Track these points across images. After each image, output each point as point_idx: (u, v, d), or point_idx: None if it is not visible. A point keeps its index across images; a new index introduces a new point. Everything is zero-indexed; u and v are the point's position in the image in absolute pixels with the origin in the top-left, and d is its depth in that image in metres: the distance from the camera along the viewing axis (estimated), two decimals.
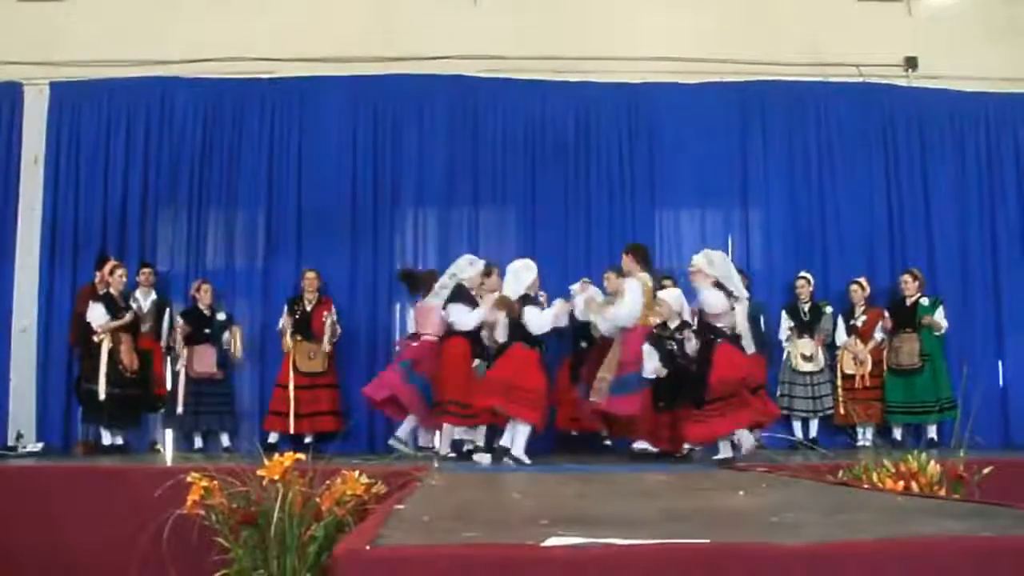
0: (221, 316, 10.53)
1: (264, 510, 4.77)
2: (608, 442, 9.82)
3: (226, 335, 10.47)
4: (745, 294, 8.80)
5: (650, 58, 11.24)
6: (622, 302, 8.61)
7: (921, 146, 11.54)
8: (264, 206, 11.13)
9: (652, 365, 8.30)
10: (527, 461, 8.24)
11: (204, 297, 10.48)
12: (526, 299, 8.58)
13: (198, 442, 10.46)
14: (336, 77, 11.25)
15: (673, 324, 8.44)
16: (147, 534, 5.13)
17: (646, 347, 8.34)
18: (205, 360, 10.35)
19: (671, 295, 8.74)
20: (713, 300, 8.39)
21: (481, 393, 8.49)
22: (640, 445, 9.01)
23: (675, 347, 8.32)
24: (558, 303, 8.83)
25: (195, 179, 11.10)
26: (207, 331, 10.41)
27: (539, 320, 8.55)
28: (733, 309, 8.47)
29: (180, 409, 10.26)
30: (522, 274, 8.67)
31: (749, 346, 8.71)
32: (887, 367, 10.54)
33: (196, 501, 4.92)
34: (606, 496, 4.99)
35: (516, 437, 8.34)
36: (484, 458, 8.55)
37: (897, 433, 10.46)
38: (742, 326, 8.54)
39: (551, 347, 9.40)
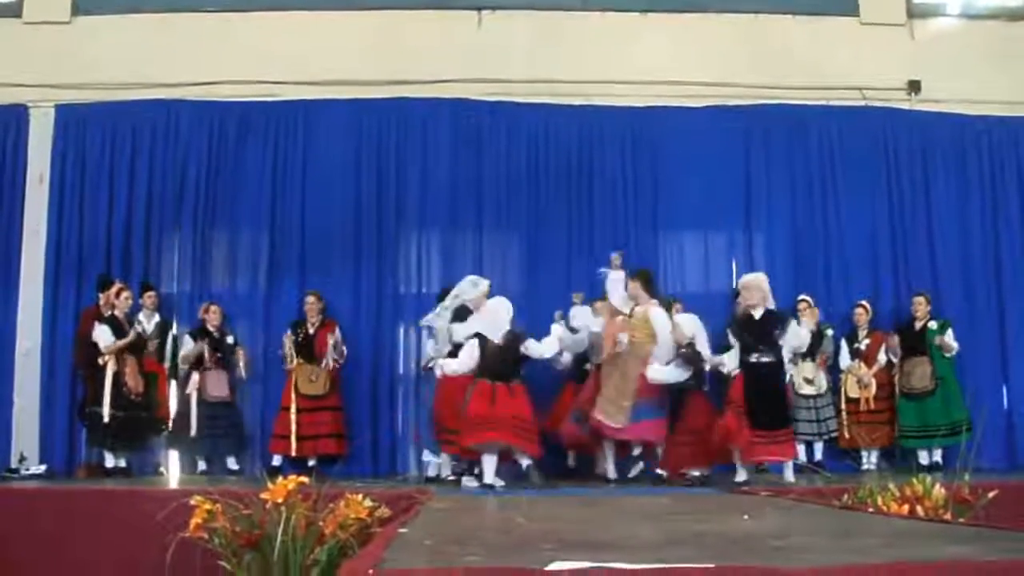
0: (230, 339, 10.53)
1: (267, 533, 4.77)
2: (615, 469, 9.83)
3: (241, 364, 10.47)
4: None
5: (653, 82, 11.27)
6: (665, 332, 8.78)
7: (924, 169, 11.54)
8: (268, 228, 11.14)
9: (677, 377, 8.50)
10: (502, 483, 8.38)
11: (213, 319, 10.46)
12: (521, 335, 8.69)
13: (201, 465, 10.44)
14: (339, 100, 11.27)
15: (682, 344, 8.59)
16: (150, 557, 5.13)
17: (676, 364, 8.51)
18: (217, 383, 10.36)
19: (687, 319, 8.87)
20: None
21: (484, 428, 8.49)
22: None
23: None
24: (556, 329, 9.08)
25: (199, 201, 11.10)
26: (218, 354, 10.40)
27: (543, 348, 8.76)
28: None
29: (194, 432, 10.23)
30: (500, 314, 8.70)
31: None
32: (900, 392, 10.52)
33: (199, 524, 4.92)
34: (609, 520, 4.97)
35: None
36: (471, 482, 8.63)
37: (904, 457, 10.40)
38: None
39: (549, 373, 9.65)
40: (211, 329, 10.46)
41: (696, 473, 8.68)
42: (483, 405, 8.36)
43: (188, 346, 10.40)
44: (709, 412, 8.63)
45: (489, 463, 8.37)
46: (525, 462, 8.44)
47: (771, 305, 8.65)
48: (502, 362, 8.53)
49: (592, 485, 8.93)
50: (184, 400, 10.38)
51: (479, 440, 8.34)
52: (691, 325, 8.77)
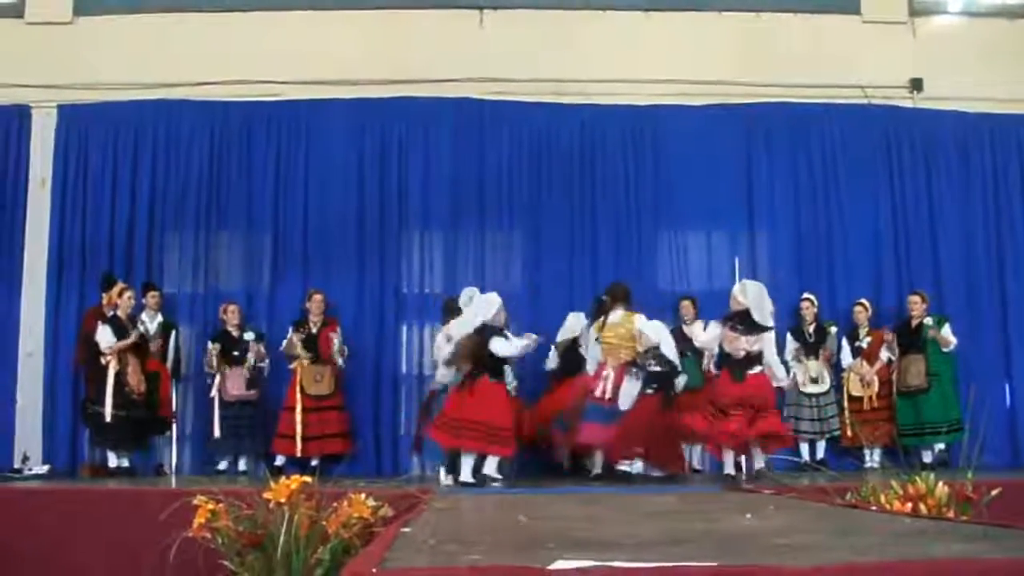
0: (249, 335, 10.46)
1: (270, 533, 4.76)
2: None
3: (250, 355, 10.40)
4: (771, 324, 8.79)
5: (655, 80, 11.27)
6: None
7: (926, 167, 11.53)
8: (270, 228, 11.14)
9: (633, 391, 8.63)
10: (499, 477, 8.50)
11: (232, 318, 10.47)
12: (491, 330, 8.69)
13: (223, 464, 10.42)
14: (342, 100, 11.27)
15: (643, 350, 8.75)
16: (153, 557, 5.13)
17: (627, 378, 8.69)
18: (237, 383, 10.34)
19: (652, 326, 8.92)
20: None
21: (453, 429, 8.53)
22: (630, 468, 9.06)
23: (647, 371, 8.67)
24: (528, 339, 8.92)
25: (202, 202, 11.11)
26: (236, 353, 10.38)
27: (506, 348, 8.70)
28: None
29: (217, 433, 10.26)
30: (481, 308, 8.77)
31: (782, 375, 8.94)
32: (896, 390, 10.51)
33: (202, 524, 4.91)
34: (612, 518, 4.97)
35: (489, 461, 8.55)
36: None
37: (908, 455, 10.38)
38: (770, 355, 8.66)
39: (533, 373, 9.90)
40: (230, 329, 10.46)
41: (628, 467, 8.85)
42: (453, 405, 8.58)
43: (210, 352, 10.42)
44: (653, 413, 8.58)
45: (491, 462, 8.51)
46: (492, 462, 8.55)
47: (754, 313, 8.59)
48: (469, 358, 8.62)
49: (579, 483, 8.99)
50: (208, 403, 10.42)
51: (444, 443, 8.60)
52: (655, 332, 8.84)
